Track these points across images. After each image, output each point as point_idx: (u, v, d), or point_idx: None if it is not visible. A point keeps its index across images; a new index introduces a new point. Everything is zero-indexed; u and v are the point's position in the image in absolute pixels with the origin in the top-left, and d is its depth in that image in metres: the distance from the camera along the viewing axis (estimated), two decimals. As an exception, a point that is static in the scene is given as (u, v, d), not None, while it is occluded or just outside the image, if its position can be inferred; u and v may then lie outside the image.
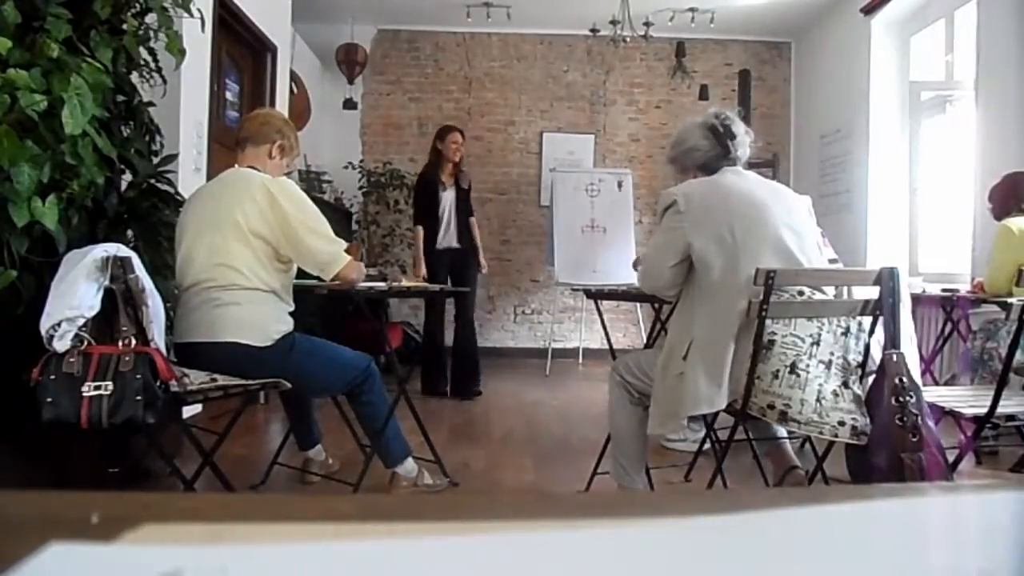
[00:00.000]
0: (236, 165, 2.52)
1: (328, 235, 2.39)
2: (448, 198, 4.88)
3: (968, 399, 2.35)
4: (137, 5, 2.55)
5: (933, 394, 2.33)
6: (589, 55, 7.15)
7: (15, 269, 2.05)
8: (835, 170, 6.30)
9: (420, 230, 4.86)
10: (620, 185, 6.10)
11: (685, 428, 3.13)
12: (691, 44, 6.97)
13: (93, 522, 0.30)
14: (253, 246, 2.31)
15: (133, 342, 1.95)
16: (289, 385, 2.27)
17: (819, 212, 2.55)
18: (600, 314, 3.20)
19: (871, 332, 2.03)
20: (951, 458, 2.10)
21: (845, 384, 1.95)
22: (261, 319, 2.33)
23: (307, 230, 2.33)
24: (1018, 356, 2.39)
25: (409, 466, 2.62)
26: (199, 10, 2.80)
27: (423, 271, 4.76)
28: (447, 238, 4.88)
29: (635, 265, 2.74)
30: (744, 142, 2.21)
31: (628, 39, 6.02)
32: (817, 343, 1.95)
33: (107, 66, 2.30)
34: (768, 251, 2.02)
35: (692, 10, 6.35)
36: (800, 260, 2.04)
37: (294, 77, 5.69)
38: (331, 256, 2.37)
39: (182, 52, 2.63)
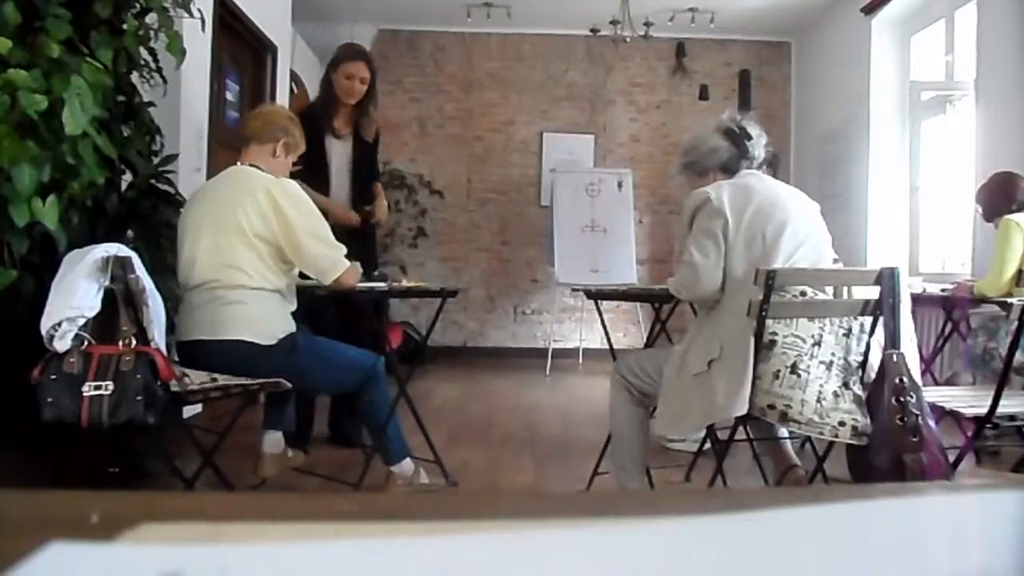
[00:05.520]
0: (239, 162, 2.52)
1: (329, 240, 2.39)
2: (340, 152, 3.46)
3: (968, 399, 2.35)
4: (137, 5, 2.55)
5: (933, 394, 2.33)
6: (589, 55, 7.15)
7: (15, 269, 2.05)
8: (835, 170, 6.29)
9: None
10: (620, 185, 6.10)
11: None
12: (691, 44, 6.97)
13: (93, 522, 0.30)
14: (256, 248, 2.32)
15: (133, 342, 1.95)
16: (290, 385, 2.27)
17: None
18: (600, 314, 3.20)
19: (871, 332, 2.03)
20: (951, 458, 2.10)
21: (846, 385, 1.95)
22: (266, 317, 2.34)
23: (308, 234, 2.34)
24: (1018, 356, 2.39)
25: (406, 465, 2.62)
26: (199, 10, 2.81)
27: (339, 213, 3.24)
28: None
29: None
30: (760, 143, 2.23)
31: (628, 39, 6.02)
32: (818, 344, 1.95)
33: (107, 66, 2.30)
34: (795, 253, 2.03)
35: (692, 10, 6.35)
36: (823, 264, 2.07)
37: (294, 77, 5.70)
38: (330, 262, 2.38)
39: (182, 52, 2.62)
